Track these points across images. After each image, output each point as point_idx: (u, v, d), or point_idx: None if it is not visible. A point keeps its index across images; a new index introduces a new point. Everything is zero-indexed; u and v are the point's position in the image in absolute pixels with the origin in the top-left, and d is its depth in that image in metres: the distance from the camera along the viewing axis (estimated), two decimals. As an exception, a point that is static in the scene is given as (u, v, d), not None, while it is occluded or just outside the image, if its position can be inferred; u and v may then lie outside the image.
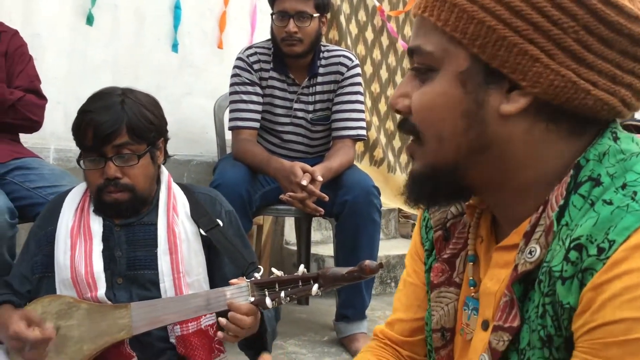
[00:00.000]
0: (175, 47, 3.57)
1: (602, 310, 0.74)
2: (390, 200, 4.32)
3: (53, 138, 3.07)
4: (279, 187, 2.68)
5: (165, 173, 1.90)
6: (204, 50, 3.71)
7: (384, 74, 4.76)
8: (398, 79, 4.83)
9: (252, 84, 2.85)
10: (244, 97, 2.84)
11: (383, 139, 4.72)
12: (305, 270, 1.59)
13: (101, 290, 1.73)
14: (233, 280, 1.64)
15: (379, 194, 2.75)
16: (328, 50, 2.91)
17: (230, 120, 2.88)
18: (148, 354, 1.74)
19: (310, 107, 2.89)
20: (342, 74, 2.86)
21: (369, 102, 4.57)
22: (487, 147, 0.86)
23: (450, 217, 1.03)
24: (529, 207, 0.87)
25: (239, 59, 2.89)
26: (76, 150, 1.83)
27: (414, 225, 4.54)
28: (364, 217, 2.67)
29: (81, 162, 1.80)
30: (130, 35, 3.44)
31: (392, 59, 4.81)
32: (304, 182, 2.54)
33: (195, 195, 1.89)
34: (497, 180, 0.89)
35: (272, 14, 2.83)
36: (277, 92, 2.88)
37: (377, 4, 4.48)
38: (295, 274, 1.59)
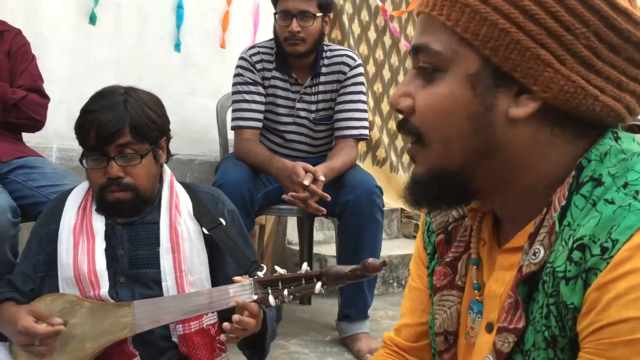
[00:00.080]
0: (177, 46, 3.58)
1: (607, 310, 0.73)
2: (392, 200, 4.31)
3: (56, 137, 3.08)
4: (281, 187, 2.68)
5: (167, 172, 1.90)
6: (206, 49, 3.72)
7: (386, 74, 4.76)
8: (401, 79, 4.82)
9: (255, 83, 2.85)
10: (247, 96, 2.84)
11: (385, 139, 4.72)
12: (308, 268, 1.59)
13: (104, 288, 1.73)
14: (236, 278, 1.63)
15: (382, 193, 2.75)
16: (331, 50, 2.91)
17: (233, 119, 2.88)
18: (150, 353, 1.74)
19: (313, 107, 2.89)
20: (344, 73, 2.86)
21: (371, 102, 4.57)
22: (493, 150, 0.86)
23: (451, 221, 1.03)
24: (533, 209, 0.87)
25: (241, 58, 2.89)
26: (79, 150, 1.83)
27: (416, 225, 4.54)
28: (367, 216, 2.67)
29: (84, 161, 1.80)
30: (133, 35, 3.44)
31: (394, 59, 4.81)
32: (306, 182, 2.54)
33: (197, 194, 1.89)
34: (501, 183, 0.88)
35: (275, 14, 2.83)
36: (280, 92, 2.88)
37: (380, 3, 4.47)
38: (299, 272, 1.58)
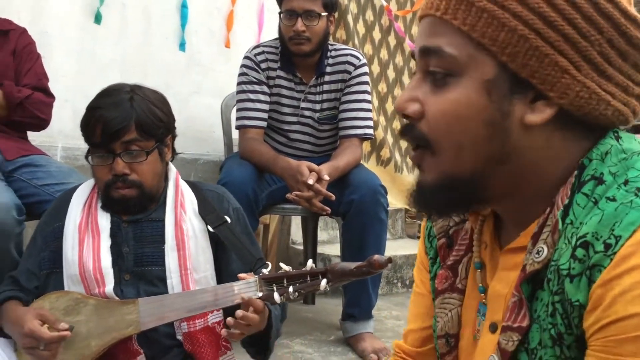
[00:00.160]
0: (182, 46, 3.58)
1: (613, 306, 0.73)
2: (397, 200, 4.31)
3: (61, 136, 3.08)
4: (285, 186, 2.68)
5: (173, 170, 1.90)
6: (211, 49, 3.72)
7: (391, 73, 4.76)
8: (405, 79, 4.83)
9: (260, 83, 2.86)
10: (251, 96, 2.85)
11: (390, 139, 4.72)
12: (313, 265, 1.58)
13: (109, 285, 1.73)
14: (242, 275, 1.63)
15: (386, 193, 2.75)
16: (335, 49, 2.91)
17: (237, 119, 2.88)
18: (155, 351, 1.74)
19: (318, 106, 2.89)
20: (349, 73, 2.86)
21: (376, 102, 4.57)
22: (507, 156, 0.85)
23: (452, 225, 1.03)
24: (537, 210, 0.87)
25: (246, 57, 2.90)
26: (84, 148, 1.83)
27: (420, 225, 4.53)
28: (371, 216, 2.67)
29: (89, 158, 1.80)
30: (138, 34, 3.45)
31: (399, 59, 4.81)
32: (311, 181, 2.54)
33: (202, 192, 1.89)
34: (512, 188, 0.88)
35: (280, 13, 2.83)
36: (285, 91, 2.88)
37: (385, 3, 4.48)
38: (304, 269, 1.58)
